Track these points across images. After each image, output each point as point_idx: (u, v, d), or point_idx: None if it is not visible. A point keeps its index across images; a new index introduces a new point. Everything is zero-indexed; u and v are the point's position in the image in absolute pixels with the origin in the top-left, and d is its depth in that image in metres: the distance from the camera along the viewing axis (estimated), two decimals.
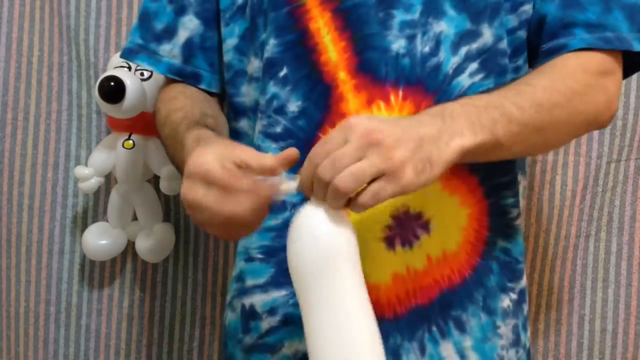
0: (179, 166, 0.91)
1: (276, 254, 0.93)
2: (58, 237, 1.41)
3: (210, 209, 0.75)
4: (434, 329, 0.91)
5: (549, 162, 1.35)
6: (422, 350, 0.90)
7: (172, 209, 1.40)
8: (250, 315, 0.95)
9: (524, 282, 0.98)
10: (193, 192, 0.76)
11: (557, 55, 0.90)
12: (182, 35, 1.01)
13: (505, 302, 0.95)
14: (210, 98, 1.02)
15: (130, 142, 1.29)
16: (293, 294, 0.90)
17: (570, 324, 1.39)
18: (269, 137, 0.92)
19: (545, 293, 1.38)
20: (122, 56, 1.05)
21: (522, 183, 0.99)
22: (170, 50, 1.01)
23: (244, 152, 0.76)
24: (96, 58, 1.36)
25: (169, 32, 1.01)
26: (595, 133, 1.34)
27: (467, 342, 0.91)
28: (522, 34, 0.93)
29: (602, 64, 0.89)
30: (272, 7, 0.91)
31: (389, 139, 0.71)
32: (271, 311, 0.93)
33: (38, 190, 1.40)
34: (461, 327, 0.91)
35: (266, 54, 0.91)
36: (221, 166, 0.75)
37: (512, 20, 0.92)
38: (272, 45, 0.91)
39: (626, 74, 0.94)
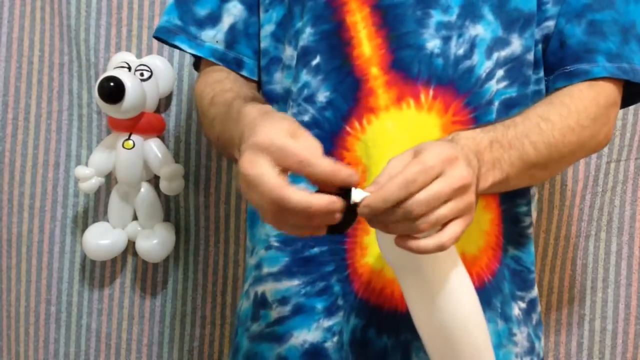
0: (228, 143, 0.85)
1: (292, 243, 0.92)
2: (58, 237, 1.41)
3: (270, 192, 0.68)
4: None
5: None
6: None
7: (172, 209, 1.40)
8: (260, 303, 0.94)
9: (534, 292, 0.98)
10: (256, 166, 0.69)
11: (576, 80, 0.91)
12: (227, 21, 0.99)
13: (515, 310, 0.95)
14: (252, 85, 1.01)
15: (130, 142, 1.29)
16: (306, 284, 0.91)
17: (570, 324, 1.39)
18: None
19: (545, 293, 1.38)
20: (157, 34, 1.01)
21: (534, 192, 0.99)
22: (214, 36, 0.99)
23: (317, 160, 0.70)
24: (96, 58, 1.36)
25: (213, 19, 0.99)
26: None
27: None
28: (541, 47, 0.94)
29: (611, 95, 0.92)
30: None
31: (472, 191, 0.73)
32: (282, 300, 0.92)
33: (38, 190, 1.40)
34: None
35: (301, 42, 0.91)
36: (296, 144, 0.69)
37: (536, 34, 0.93)
38: (307, 34, 0.91)
39: (625, 103, 0.97)
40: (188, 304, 1.41)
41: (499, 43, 0.90)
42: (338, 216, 0.70)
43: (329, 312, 0.91)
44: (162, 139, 1.36)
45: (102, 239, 1.34)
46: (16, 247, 1.41)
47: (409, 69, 0.88)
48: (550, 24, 0.94)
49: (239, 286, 1.40)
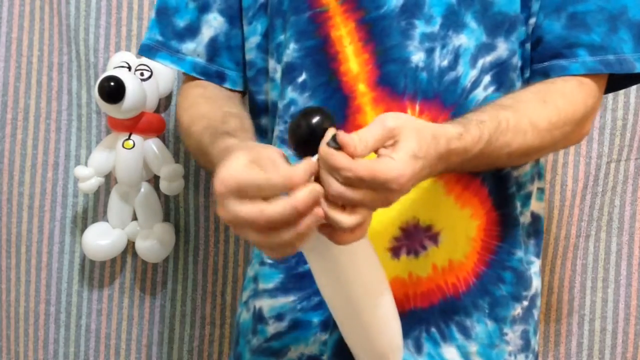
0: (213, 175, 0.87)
1: (285, 260, 0.92)
2: (58, 237, 1.41)
3: (252, 222, 0.67)
4: (434, 330, 0.91)
5: (549, 162, 1.35)
6: (419, 348, 0.90)
7: (172, 209, 1.40)
8: (258, 318, 0.95)
9: (534, 288, 0.98)
10: (228, 211, 0.68)
11: (553, 76, 0.89)
12: (207, 33, 0.99)
13: (517, 310, 0.95)
14: (232, 95, 1.00)
15: (130, 142, 1.29)
16: (301, 299, 0.92)
17: (570, 324, 1.39)
18: (285, 143, 0.91)
19: (545, 293, 1.38)
20: (140, 53, 1.02)
21: (537, 185, 0.98)
22: (194, 49, 0.99)
23: (269, 171, 0.68)
24: (96, 58, 1.36)
25: (192, 31, 0.99)
26: (595, 133, 1.34)
27: (473, 347, 0.91)
28: (529, 46, 0.93)
29: (595, 89, 0.90)
30: (293, 10, 0.90)
31: (398, 193, 0.69)
32: (278, 317, 0.93)
33: (38, 190, 1.40)
34: (465, 333, 0.91)
35: (286, 58, 0.90)
36: (249, 171, 0.67)
37: (524, 33, 0.92)
38: (292, 50, 0.90)
39: (613, 88, 0.95)
40: (188, 304, 1.41)
41: (484, 49, 0.88)
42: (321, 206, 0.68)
43: (325, 325, 0.91)
44: (162, 139, 1.36)
45: (102, 239, 1.34)
46: (16, 247, 1.41)
47: (395, 84, 0.87)
48: (533, 20, 0.92)
49: (239, 286, 1.40)
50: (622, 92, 1.33)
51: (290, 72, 0.90)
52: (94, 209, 1.40)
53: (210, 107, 0.94)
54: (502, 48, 0.89)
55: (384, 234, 0.86)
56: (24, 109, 1.39)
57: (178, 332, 1.42)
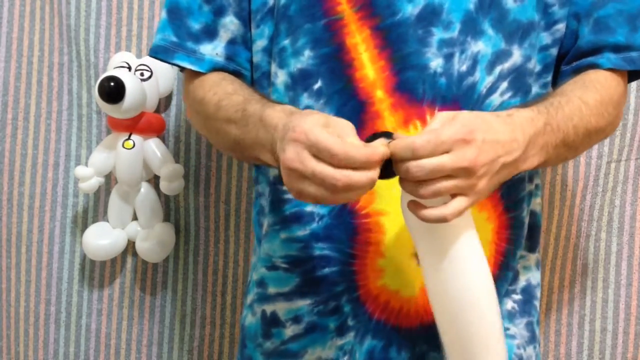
0: (251, 145, 0.86)
1: (301, 265, 0.93)
2: (58, 237, 1.41)
3: (323, 180, 0.71)
4: None
5: None
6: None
7: (172, 209, 1.40)
8: (271, 322, 0.96)
9: (524, 280, 0.99)
10: (302, 162, 0.72)
11: (583, 72, 0.93)
12: (224, 36, 0.97)
13: (509, 304, 0.96)
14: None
15: (130, 142, 1.29)
16: (318, 303, 0.93)
17: (570, 324, 1.39)
18: None
19: (545, 293, 1.38)
20: (153, 54, 0.99)
21: (535, 182, 1.00)
22: (213, 49, 0.97)
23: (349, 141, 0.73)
24: (96, 58, 1.36)
25: (209, 33, 0.97)
26: None
27: None
28: (554, 51, 0.95)
29: (621, 82, 0.94)
30: (308, 18, 0.90)
31: (482, 169, 0.74)
32: (296, 319, 0.94)
33: (38, 190, 1.40)
34: None
35: (300, 65, 0.90)
36: (330, 136, 0.72)
37: (546, 38, 0.94)
38: (307, 57, 0.90)
39: (635, 77, 0.99)
40: (188, 304, 1.41)
41: (501, 56, 0.90)
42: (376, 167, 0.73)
43: (340, 331, 0.93)
44: (162, 139, 1.36)
45: (102, 239, 1.34)
46: (16, 247, 1.41)
47: (413, 90, 0.88)
48: (561, 26, 0.94)
49: (239, 286, 1.40)
50: None
51: (305, 79, 0.91)
52: (94, 209, 1.40)
53: (239, 86, 0.93)
54: (517, 54, 0.90)
55: (409, 240, 0.87)
56: (24, 109, 1.39)
57: (178, 332, 1.42)
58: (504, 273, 0.94)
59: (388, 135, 0.75)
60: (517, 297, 0.97)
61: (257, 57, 0.98)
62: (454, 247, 0.78)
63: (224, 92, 0.92)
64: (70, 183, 1.40)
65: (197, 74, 0.98)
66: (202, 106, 0.95)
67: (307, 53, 0.90)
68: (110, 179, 1.37)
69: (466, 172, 0.73)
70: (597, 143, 1.01)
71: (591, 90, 0.90)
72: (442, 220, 0.74)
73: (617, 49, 0.93)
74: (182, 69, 1.01)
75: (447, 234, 0.78)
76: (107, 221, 1.36)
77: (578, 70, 0.94)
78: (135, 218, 1.36)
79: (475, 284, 0.80)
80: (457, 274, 0.79)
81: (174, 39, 0.97)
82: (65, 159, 1.40)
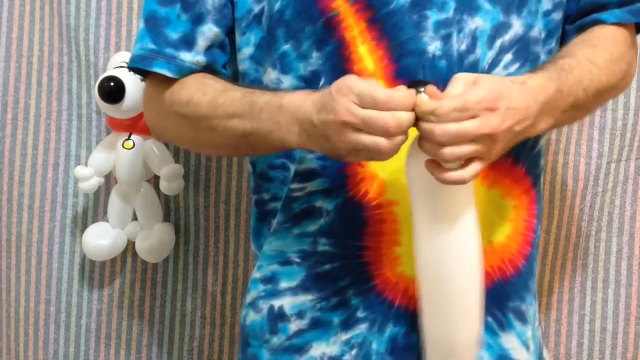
0: (266, 133, 0.87)
1: (309, 259, 0.94)
2: (58, 237, 1.41)
3: (376, 124, 0.75)
4: (490, 319, 0.91)
5: (549, 162, 1.35)
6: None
7: (172, 209, 1.40)
8: (279, 316, 0.96)
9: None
10: (352, 111, 0.76)
11: (587, 28, 0.94)
12: (202, 44, 0.96)
13: (535, 285, 0.98)
14: None
15: (130, 142, 1.29)
16: (320, 299, 0.93)
17: (570, 324, 1.39)
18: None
19: (545, 293, 1.38)
20: (132, 65, 0.97)
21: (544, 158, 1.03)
22: (193, 57, 0.96)
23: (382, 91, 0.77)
24: (96, 58, 1.36)
25: (188, 42, 0.96)
26: (595, 133, 1.34)
27: (529, 332, 0.93)
28: (557, 15, 0.95)
29: (628, 35, 0.95)
30: (307, 21, 0.90)
31: (502, 136, 0.77)
32: (300, 314, 0.94)
33: (38, 190, 1.40)
34: (522, 318, 0.93)
35: (310, 67, 0.90)
36: (368, 83, 0.76)
37: (546, 4, 0.94)
38: (315, 58, 0.90)
39: None
40: (188, 304, 1.41)
41: (501, 29, 0.90)
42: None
43: (346, 325, 0.93)
44: None
45: (102, 239, 1.34)
46: (16, 247, 1.41)
47: (414, 76, 0.88)
48: None
49: (239, 286, 1.40)
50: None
51: (317, 80, 0.91)
52: (94, 209, 1.40)
53: (227, 83, 0.93)
54: (517, 25, 0.90)
55: None
56: (24, 109, 1.39)
57: (178, 332, 1.42)
58: (534, 251, 0.95)
59: (423, 83, 0.78)
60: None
61: (244, 66, 0.97)
62: (456, 214, 0.80)
63: (214, 90, 0.92)
64: (70, 183, 1.40)
65: (171, 80, 0.96)
66: (190, 107, 0.93)
67: (315, 54, 0.90)
68: (110, 179, 1.37)
69: (489, 138, 0.76)
70: (612, 99, 1.03)
71: (600, 50, 0.91)
72: (461, 182, 0.77)
73: (621, 2, 0.94)
74: (144, 75, 0.99)
75: (453, 199, 0.80)
76: (107, 221, 1.36)
77: (582, 28, 0.94)
78: (135, 218, 1.36)
79: (468, 254, 0.82)
80: (453, 240, 0.80)
81: (153, 46, 0.96)
82: (65, 159, 1.40)
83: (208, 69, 0.97)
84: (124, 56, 1.33)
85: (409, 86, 0.77)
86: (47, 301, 1.41)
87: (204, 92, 0.92)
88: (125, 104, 1.24)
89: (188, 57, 0.96)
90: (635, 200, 1.37)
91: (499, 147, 0.78)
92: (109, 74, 1.25)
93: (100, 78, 1.25)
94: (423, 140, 0.77)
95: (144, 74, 0.99)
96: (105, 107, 1.26)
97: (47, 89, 1.39)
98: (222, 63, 0.98)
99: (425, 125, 0.75)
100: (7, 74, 1.39)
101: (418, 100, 0.76)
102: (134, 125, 1.29)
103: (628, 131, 1.34)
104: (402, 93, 0.76)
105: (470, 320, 0.84)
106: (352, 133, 0.76)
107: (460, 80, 0.78)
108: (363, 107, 0.75)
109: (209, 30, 0.96)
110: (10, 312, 1.42)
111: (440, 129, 0.74)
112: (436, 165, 0.77)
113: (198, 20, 0.96)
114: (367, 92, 0.75)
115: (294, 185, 0.93)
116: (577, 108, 0.88)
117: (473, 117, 0.75)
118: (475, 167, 0.77)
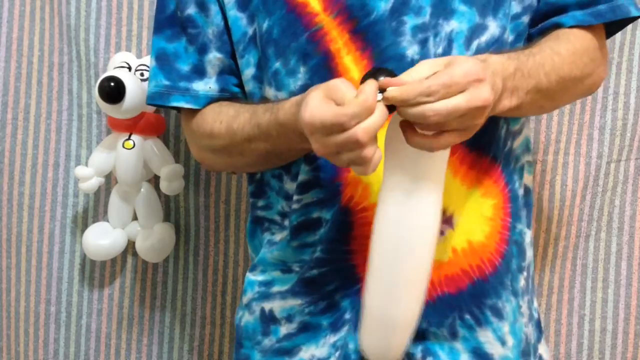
0: (288, 148, 0.90)
1: (302, 265, 0.95)
2: (58, 237, 1.41)
3: (348, 145, 0.74)
4: (467, 316, 0.92)
5: (549, 162, 1.35)
6: (454, 335, 0.92)
7: (172, 209, 1.40)
8: (270, 319, 0.97)
9: (528, 257, 1.01)
10: (323, 144, 0.76)
11: (548, 32, 0.94)
12: (212, 71, 0.99)
13: (522, 281, 0.98)
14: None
15: (130, 142, 1.29)
16: (309, 304, 0.94)
17: (570, 324, 1.39)
18: (306, 161, 0.93)
19: (545, 293, 1.38)
20: (150, 102, 1.01)
21: (526, 158, 1.01)
22: (205, 85, 0.99)
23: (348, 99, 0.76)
24: (96, 58, 1.36)
25: (198, 72, 0.99)
26: (595, 133, 1.34)
27: (505, 328, 0.93)
28: (525, 19, 0.95)
29: (592, 37, 0.95)
30: (291, 37, 0.91)
31: (486, 114, 0.77)
32: (289, 318, 0.96)
33: (38, 190, 1.40)
34: (499, 314, 0.93)
35: (299, 82, 0.91)
36: (327, 109, 0.75)
37: (516, 7, 0.94)
38: (302, 73, 0.91)
39: (610, 32, 0.99)
40: (188, 304, 1.41)
41: (477, 31, 0.90)
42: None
43: (334, 327, 0.94)
44: (162, 139, 1.36)
45: (102, 239, 1.34)
46: (16, 247, 1.41)
47: None
48: None
49: (239, 286, 1.40)
50: (622, 92, 1.33)
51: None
52: (94, 209, 1.41)
53: (238, 106, 0.96)
54: (493, 26, 0.91)
55: None
56: (24, 109, 1.39)
57: (178, 332, 1.42)
58: (510, 248, 0.95)
59: (381, 71, 0.76)
60: (525, 273, 0.99)
61: (249, 86, 0.99)
62: (424, 186, 0.79)
63: (227, 117, 0.95)
64: (70, 183, 1.40)
65: (194, 112, 1.00)
66: (214, 139, 0.97)
67: (302, 69, 0.91)
68: (110, 179, 1.37)
69: (478, 111, 0.75)
70: (580, 97, 1.02)
71: (563, 41, 0.91)
72: (429, 149, 0.76)
73: (582, 5, 0.93)
74: (178, 110, 1.03)
75: (424, 170, 0.79)
76: (107, 221, 1.36)
77: (543, 33, 0.94)
78: (135, 218, 1.36)
79: (425, 228, 0.81)
80: (414, 210, 0.80)
81: (167, 82, 0.99)
82: (65, 159, 1.40)
83: (224, 92, 1.00)
84: (124, 56, 1.34)
85: (365, 78, 0.76)
86: (47, 301, 1.41)
87: (220, 121, 0.96)
88: (126, 104, 1.24)
89: (200, 85, 0.99)
90: (635, 200, 1.37)
91: (483, 121, 0.78)
92: (109, 74, 1.25)
93: (100, 78, 1.25)
94: (406, 126, 0.76)
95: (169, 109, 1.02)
96: (106, 107, 1.26)
97: (47, 89, 1.39)
98: (235, 83, 1.00)
99: (413, 111, 0.74)
100: (7, 74, 1.39)
101: (402, 92, 0.74)
102: (134, 125, 1.29)
103: (628, 131, 1.34)
104: (364, 98, 0.74)
105: (414, 297, 0.83)
106: (336, 158, 0.77)
107: (426, 64, 0.77)
108: (333, 134, 0.75)
109: (215, 58, 0.99)
110: (10, 312, 1.42)
111: (429, 109, 0.73)
112: (410, 127, 0.77)
113: (203, 50, 0.99)
114: (329, 122, 0.74)
115: (295, 197, 0.94)
116: (542, 92, 0.88)
117: (461, 91, 0.74)
118: (447, 138, 0.76)
